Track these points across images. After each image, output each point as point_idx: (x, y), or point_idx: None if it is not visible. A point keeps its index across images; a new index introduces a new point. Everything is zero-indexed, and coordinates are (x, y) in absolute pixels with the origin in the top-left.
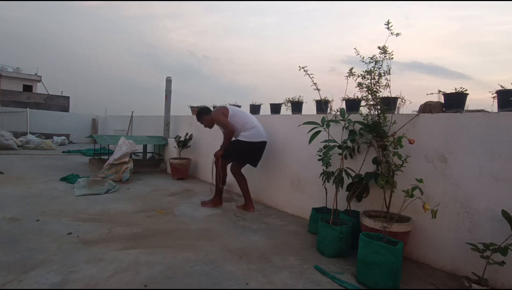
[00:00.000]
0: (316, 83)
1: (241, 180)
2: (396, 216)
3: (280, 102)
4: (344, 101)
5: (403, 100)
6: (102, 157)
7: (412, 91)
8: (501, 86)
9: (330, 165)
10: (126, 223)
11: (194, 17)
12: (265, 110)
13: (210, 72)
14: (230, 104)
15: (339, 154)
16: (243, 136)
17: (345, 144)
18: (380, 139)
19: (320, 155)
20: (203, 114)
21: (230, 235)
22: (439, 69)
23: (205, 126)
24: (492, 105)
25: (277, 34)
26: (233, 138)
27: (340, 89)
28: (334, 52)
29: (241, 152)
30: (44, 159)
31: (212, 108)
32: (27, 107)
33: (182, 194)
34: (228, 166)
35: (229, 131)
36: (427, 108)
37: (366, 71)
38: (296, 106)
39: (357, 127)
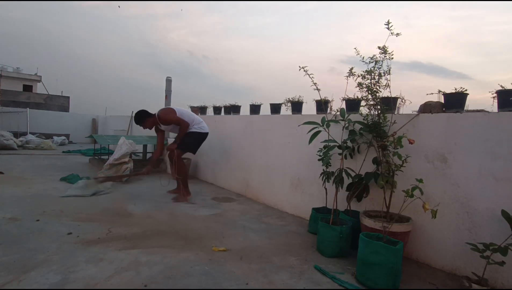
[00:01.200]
0: (316, 83)
1: (184, 166)
2: (396, 216)
3: (280, 102)
4: (344, 101)
5: (403, 100)
6: (102, 157)
7: (412, 91)
8: (501, 86)
9: (330, 165)
10: (126, 223)
11: (194, 17)
12: (265, 110)
13: (210, 72)
14: (230, 104)
15: (339, 154)
16: (196, 128)
17: (345, 144)
18: (380, 139)
19: (320, 155)
20: (146, 117)
21: (230, 235)
22: (439, 69)
23: (145, 128)
24: (492, 105)
25: (277, 34)
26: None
27: (340, 89)
28: (334, 52)
29: (195, 142)
30: (44, 159)
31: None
32: (27, 107)
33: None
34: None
35: (186, 126)
36: (427, 108)
37: (366, 71)
38: (296, 106)
39: (357, 127)
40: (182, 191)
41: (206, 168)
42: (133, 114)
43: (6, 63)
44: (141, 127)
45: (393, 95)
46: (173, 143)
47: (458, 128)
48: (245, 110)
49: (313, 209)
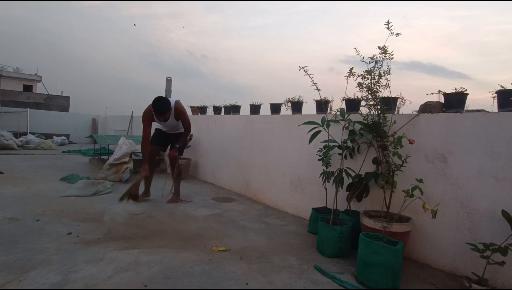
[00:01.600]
0: (316, 83)
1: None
2: (396, 216)
3: (280, 102)
4: (344, 101)
5: (403, 100)
6: (102, 157)
7: (412, 91)
8: (501, 86)
9: (330, 165)
10: (126, 223)
11: (194, 17)
12: (265, 110)
13: (209, 72)
14: (230, 104)
15: (339, 154)
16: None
17: (345, 144)
18: (380, 139)
19: (320, 155)
20: (169, 109)
21: (230, 235)
22: (438, 69)
23: (161, 121)
24: (492, 105)
25: (277, 34)
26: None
27: (340, 89)
28: (334, 52)
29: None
30: (44, 159)
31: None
32: (27, 107)
33: (182, 194)
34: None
35: (190, 132)
36: (427, 108)
37: (366, 71)
38: (296, 106)
39: (357, 127)
40: (176, 191)
41: (206, 168)
42: (133, 114)
43: (6, 63)
44: (141, 125)
45: (393, 95)
46: (175, 150)
47: (458, 128)
48: (245, 110)
49: (313, 209)
